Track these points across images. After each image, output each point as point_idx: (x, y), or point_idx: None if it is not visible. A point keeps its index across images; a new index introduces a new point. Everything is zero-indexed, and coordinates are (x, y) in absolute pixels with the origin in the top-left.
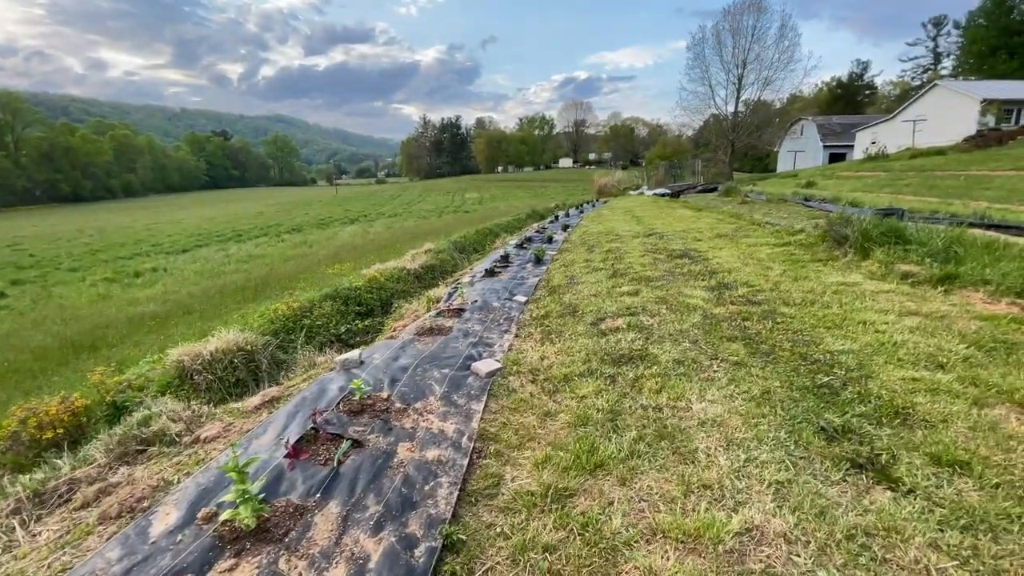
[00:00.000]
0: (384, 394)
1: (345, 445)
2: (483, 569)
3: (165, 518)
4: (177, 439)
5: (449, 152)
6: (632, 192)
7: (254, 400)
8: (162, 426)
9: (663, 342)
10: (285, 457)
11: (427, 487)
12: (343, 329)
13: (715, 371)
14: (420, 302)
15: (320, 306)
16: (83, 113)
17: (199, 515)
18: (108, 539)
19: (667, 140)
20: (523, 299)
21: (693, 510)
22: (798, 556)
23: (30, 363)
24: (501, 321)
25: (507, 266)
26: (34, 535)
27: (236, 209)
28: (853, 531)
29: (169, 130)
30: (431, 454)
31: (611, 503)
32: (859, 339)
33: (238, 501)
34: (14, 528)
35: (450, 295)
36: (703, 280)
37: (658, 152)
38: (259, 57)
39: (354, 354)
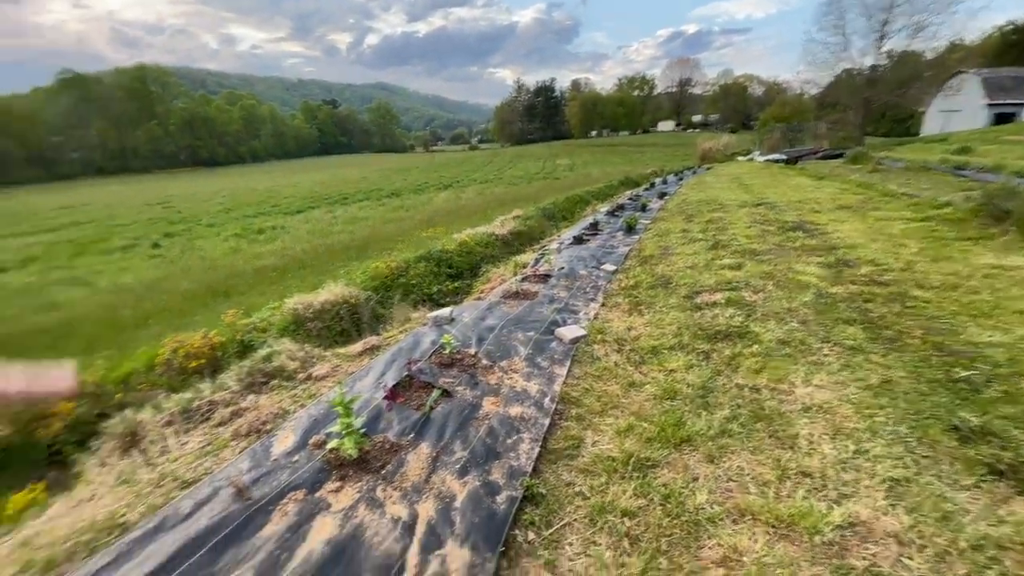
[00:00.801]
0: (471, 351)
1: (436, 394)
2: (561, 524)
3: (284, 440)
4: (293, 375)
5: (542, 117)
6: (741, 158)
7: (357, 347)
8: (282, 363)
9: (767, 320)
10: (383, 399)
11: (509, 440)
12: (435, 289)
13: (826, 355)
14: (507, 267)
15: (415, 266)
16: (217, 85)
17: (311, 441)
18: (239, 452)
19: (786, 99)
20: (611, 268)
21: (788, 496)
22: (910, 559)
23: (179, 304)
24: (587, 289)
25: (596, 234)
26: (183, 444)
27: (342, 174)
28: (982, 542)
29: (287, 99)
30: (514, 411)
31: (696, 479)
32: (1014, 331)
33: (343, 433)
34: (167, 437)
35: (537, 261)
36: (819, 256)
37: (774, 113)
38: (364, 26)
39: (445, 311)
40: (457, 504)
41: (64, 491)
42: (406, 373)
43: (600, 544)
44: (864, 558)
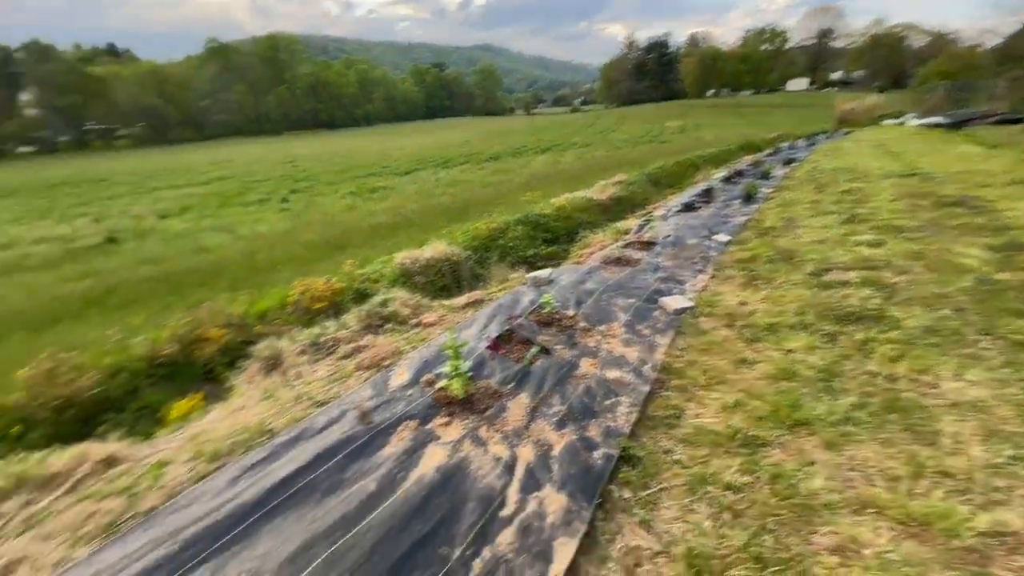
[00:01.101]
0: (570, 312)
1: (535, 349)
2: (658, 487)
3: (399, 376)
4: (406, 320)
5: (653, 75)
6: (889, 121)
7: (461, 299)
8: (396, 309)
9: (910, 305)
10: (486, 349)
11: (607, 402)
12: (530, 252)
13: (985, 348)
14: (606, 233)
15: (513, 229)
16: (337, 51)
17: (422, 379)
18: (362, 382)
19: (954, 52)
20: (725, 239)
21: (923, 495)
22: None
23: (304, 253)
24: (695, 259)
25: (709, 202)
26: (314, 371)
27: (446, 137)
28: None
29: (398, 63)
30: (612, 374)
31: (812, 463)
32: None
33: (452, 374)
34: (301, 364)
35: (640, 228)
36: (984, 236)
37: (938, 68)
38: None
39: (544, 272)
40: (555, 453)
41: (218, 402)
42: (507, 328)
43: (699, 512)
44: (1011, 570)
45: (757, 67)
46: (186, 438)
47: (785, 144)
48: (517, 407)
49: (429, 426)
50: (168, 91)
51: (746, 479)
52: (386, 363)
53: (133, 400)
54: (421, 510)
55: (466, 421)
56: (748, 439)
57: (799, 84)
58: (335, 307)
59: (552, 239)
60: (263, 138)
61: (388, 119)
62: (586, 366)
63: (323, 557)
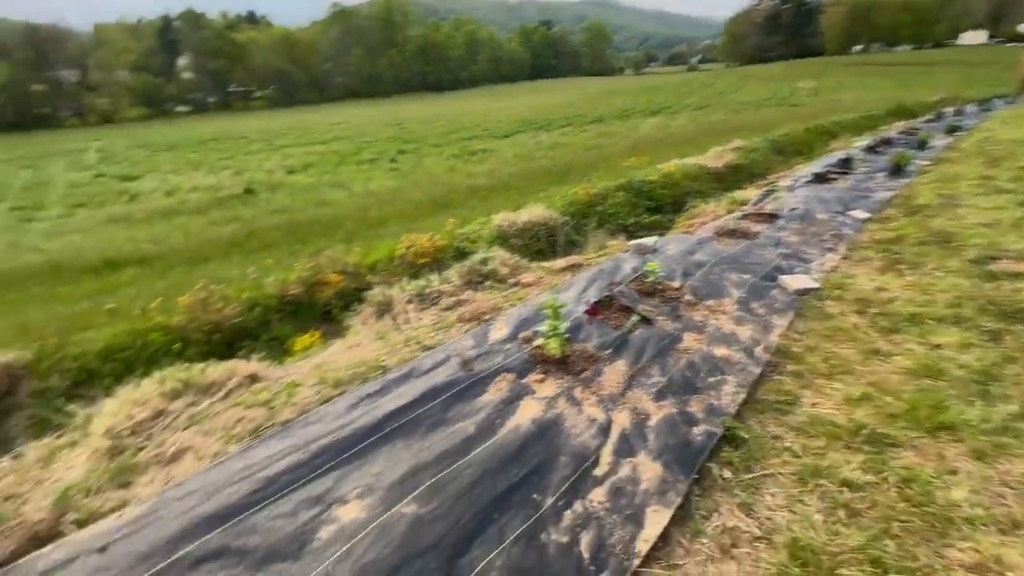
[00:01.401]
0: (675, 284)
1: (635, 318)
2: (763, 473)
3: (498, 330)
4: (504, 279)
5: (786, 29)
6: None
7: (560, 262)
8: (495, 267)
9: None
10: (584, 313)
11: (711, 379)
12: (631, 221)
13: None
14: (720, 203)
15: (614, 195)
16: (447, 12)
17: (520, 335)
18: (464, 333)
19: None
20: (863, 216)
21: None
22: None
23: (410, 210)
24: (825, 236)
25: (846, 173)
26: (420, 318)
27: (548, 99)
28: None
29: (505, 23)
30: (719, 351)
31: (953, 472)
32: None
33: (550, 334)
34: (408, 311)
35: (761, 198)
36: None
37: None
38: None
39: (649, 240)
40: (651, 423)
41: (334, 339)
42: (607, 294)
43: (809, 505)
44: None
45: (922, 16)
46: (312, 366)
47: (949, 109)
48: (613, 373)
49: (525, 380)
50: (297, 55)
51: (869, 478)
52: (486, 317)
53: (265, 331)
54: (516, 457)
55: (561, 380)
56: (875, 436)
57: (976, 38)
58: (436, 263)
59: (656, 207)
60: (375, 100)
61: (493, 80)
62: (690, 340)
63: (428, 484)
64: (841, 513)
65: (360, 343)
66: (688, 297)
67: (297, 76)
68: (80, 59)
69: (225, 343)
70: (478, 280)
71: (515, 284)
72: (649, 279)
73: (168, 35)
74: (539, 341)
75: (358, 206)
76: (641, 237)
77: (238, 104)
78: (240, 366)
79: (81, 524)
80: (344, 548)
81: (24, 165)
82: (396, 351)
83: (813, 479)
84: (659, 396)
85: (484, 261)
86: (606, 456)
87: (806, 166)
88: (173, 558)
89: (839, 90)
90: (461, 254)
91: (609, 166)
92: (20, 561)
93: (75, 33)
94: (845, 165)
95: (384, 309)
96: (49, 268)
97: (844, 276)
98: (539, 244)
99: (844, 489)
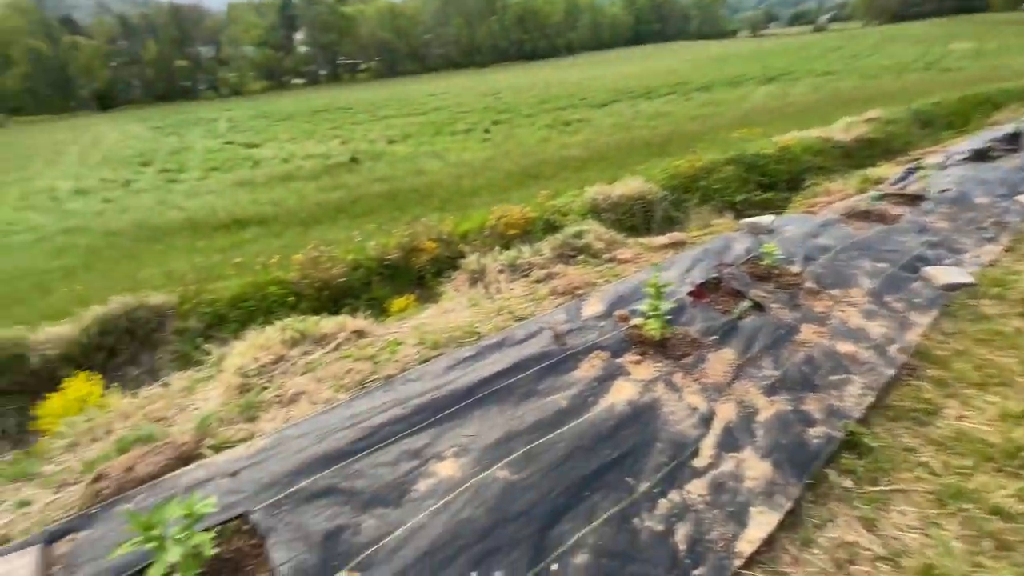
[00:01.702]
0: (794, 269)
1: (746, 303)
2: (892, 488)
3: (592, 306)
4: (599, 254)
5: None
6: None
7: (661, 239)
8: (589, 241)
9: None
10: (688, 294)
11: (833, 377)
12: (740, 198)
13: None
14: (848, 180)
15: (721, 170)
16: None
17: (616, 313)
18: (556, 306)
19: None
20: None
21: None
22: None
23: (501, 181)
24: (984, 224)
25: (1015, 150)
26: (512, 289)
27: (650, 66)
28: None
29: None
30: (844, 347)
31: None
32: None
33: (650, 314)
34: (500, 281)
35: (903, 177)
36: None
37: None
38: None
39: (765, 219)
40: (760, 419)
41: (427, 304)
42: (714, 275)
43: (947, 530)
44: None
45: None
46: (411, 327)
47: None
48: (719, 361)
49: (620, 360)
50: (399, 26)
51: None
52: (579, 292)
53: (366, 292)
54: (610, 437)
55: (659, 364)
56: None
57: None
58: (526, 234)
59: (769, 184)
60: (472, 70)
61: (592, 47)
62: (809, 333)
63: (521, 451)
64: (988, 544)
65: (454, 308)
66: (809, 284)
67: (399, 47)
68: (215, 36)
69: (332, 299)
70: (570, 254)
71: (610, 260)
72: (764, 262)
73: (287, 11)
74: (637, 321)
75: (452, 176)
76: (752, 216)
77: (346, 76)
78: (349, 322)
79: (216, 449)
80: (441, 503)
81: (169, 133)
82: (489, 319)
83: (955, 502)
84: (771, 390)
85: (578, 234)
86: (707, 448)
87: (962, 141)
88: (291, 490)
89: (1005, 53)
90: (551, 227)
91: (715, 138)
92: (167, 476)
93: (211, 12)
94: (1013, 141)
95: (477, 277)
96: (189, 224)
97: (1007, 272)
98: (634, 219)
99: (994, 517)
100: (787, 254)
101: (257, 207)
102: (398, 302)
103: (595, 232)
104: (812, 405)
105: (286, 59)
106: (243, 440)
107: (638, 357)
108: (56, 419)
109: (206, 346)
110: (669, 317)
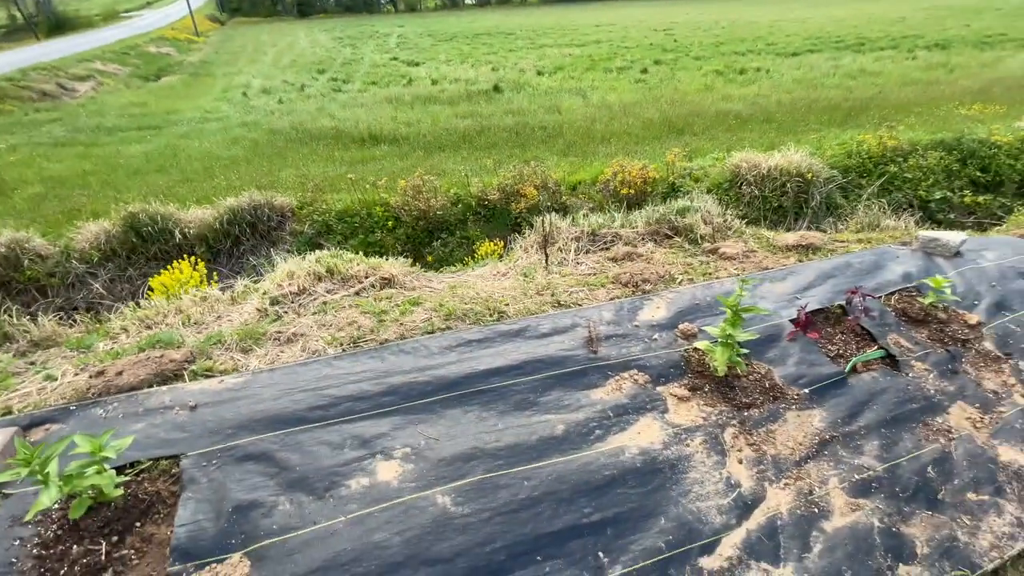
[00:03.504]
0: (971, 317)
1: (874, 352)
2: None
3: (653, 310)
4: (698, 241)
5: None
6: None
7: (788, 237)
8: (693, 223)
9: None
10: (790, 321)
11: (972, 496)
12: (936, 196)
13: None
14: None
15: (921, 154)
16: None
17: (680, 326)
18: (608, 300)
19: None
20: None
21: None
22: None
23: (638, 130)
24: None
25: None
26: (577, 262)
27: (872, 10)
28: None
29: None
30: (1008, 454)
31: None
32: None
33: (719, 340)
34: (569, 250)
35: None
36: None
37: None
38: None
39: (952, 236)
40: (828, 526)
41: (512, 249)
42: (841, 301)
43: None
44: None
45: None
46: (447, 286)
47: None
48: (799, 426)
49: (660, 389)
50: None
51: None
52: (646, 286)
53: (461, 229)
54: (599, 491)
55: (711, 408)
56: None
57: None
58: (640, 197)
59: (988, 184)
60: (655, 0)
61: None
62: (960, 418)
63: (477, 478)
64: None
65: (506, 273)
66: (987, 346)
67: None
68: None
69: (427, 231)
70: (665, 233)
71: (711, 251)
72: (927, 299)
73: None
74: (702, 343)
75: (587, 118)
76: (944, 224)
77: None
78: (384, 266)
79: (194, 375)
80: (363, 511)
81: (347, 44)
82: (527, 296)
83: None
84: (860, 489)
85: (683, 211)
86: (730, 546)
87: None
88: (229, 444)
89: None
90: (673, 191)
91: (933, 112)
92: (140, 391)
93: None
94: None
95: (547, 241)
96: (334, 134)
97: None
98: (782, 200)
99: None
100: (967, 293)
101: (394, 125)
102: (485, 246)
103: (705, 213)
104: (919, 530)
105: None
106: (224, 372)
107: (686, 392)
108: (160, 293)
109: (276, 257)
110: (746, 351)
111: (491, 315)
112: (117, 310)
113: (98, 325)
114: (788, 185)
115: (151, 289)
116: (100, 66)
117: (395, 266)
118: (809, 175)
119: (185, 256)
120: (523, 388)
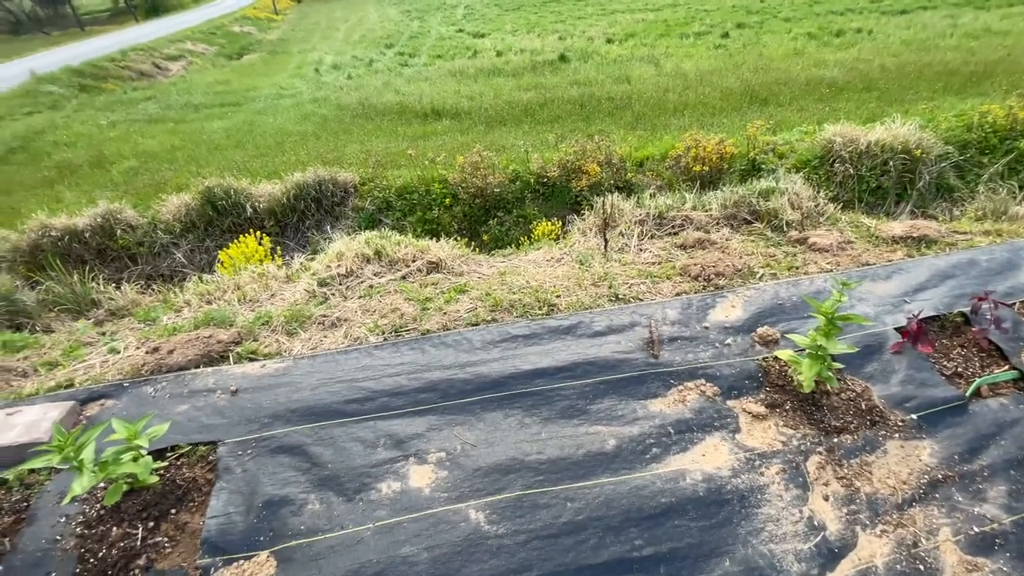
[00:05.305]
0: None
1: (1003, 374)
2: None
3: (726, 309)
4: (783, 229)
5: None
6: None
7: (895, 227)
8: (777, 206)
9: None
10: (896, 330)
11: None
12: None
13: None
14: None
15: None
16: None
17: (759, 329)
18: (675, 296)
19: None
20: None
21: None
22: None
23: (716, 101)
24: None
25: None
26: (639, 250)
27: None
28: None
29: None
30: None
31: None
32: None
33: (807, 351)
34: (632, 235)
35: None
36: None
37: None
38: None
39: None
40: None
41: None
42: (963, 309)
43: None
44: None
45: None
46: (496, 271)
47: None
48: (903, 458)
49: (731, 404)
50: None
51: None
52: (720, 281)
53: (518, 207)
54: (654, 521)
55: (792, 431)
56: None
57: None
58: (714, 175)
59: None
60: None
61: None
62: None
63: (515, 494)
64: None
65: (561, 259)
66: None
67: None
68: None
69: (484, 208)
70: (744, 218)
71: (799, 241)
72: None
73: None
74: (784, 352)
75: (659, 87)
76: None
77: None
78: (431, 249)
79: (239, 357)
80: (391, 520)
81: (415, 17)
82: (581, 287)
83: None
84: (979, 545)
85: (766, 193)
86: None
87: None
88: (265, 433)
89: None
90: (754, 169)
91: None
92: (187, 372)
93: None
94: None
95: (607, 224)
96: (399, 108)
97: None
98: (881, 182)
99: None
100: None
101: (456, 99)
102: (542, 226)
103: (793, 195)
104: None
105: None
106: (267, 356)
107: (763, 409)
108: (228, 264)
109: (333, 234)
110: (841, 365)
111: (540, 307)
112: (192, 279)
113: (170, 295)
114: (891, 163)
115: (220, 262)
116: (190, 46)
117: (443, 249)
118: (917, 151)
119: (255, 230)
120: (571, 393)
